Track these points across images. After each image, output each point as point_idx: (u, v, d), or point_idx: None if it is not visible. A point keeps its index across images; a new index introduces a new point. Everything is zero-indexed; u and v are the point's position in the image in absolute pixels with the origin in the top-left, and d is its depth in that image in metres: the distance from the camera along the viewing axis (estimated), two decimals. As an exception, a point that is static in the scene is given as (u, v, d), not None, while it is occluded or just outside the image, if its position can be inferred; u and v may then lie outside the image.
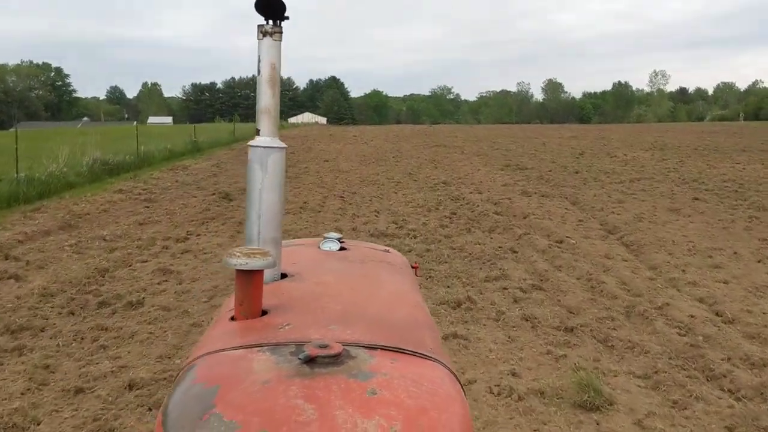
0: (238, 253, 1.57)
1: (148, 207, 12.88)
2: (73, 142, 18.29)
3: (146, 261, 8.45)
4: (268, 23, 1.96)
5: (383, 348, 1.47)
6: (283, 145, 2.04)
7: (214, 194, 14.38)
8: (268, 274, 1.93)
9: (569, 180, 18.60)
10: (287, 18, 1.97)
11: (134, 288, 7.12)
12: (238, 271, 1.59)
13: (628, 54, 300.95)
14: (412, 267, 2.74)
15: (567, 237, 10.51)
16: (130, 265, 8.21)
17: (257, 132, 2.04)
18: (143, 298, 6.74)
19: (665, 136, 43.90)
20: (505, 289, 7.61)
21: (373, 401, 1.22)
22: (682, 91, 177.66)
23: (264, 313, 1.68)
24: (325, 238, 2.58)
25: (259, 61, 2.00)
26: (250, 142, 2.03)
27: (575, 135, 45.74)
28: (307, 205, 13.54)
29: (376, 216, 12.73)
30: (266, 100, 2.02)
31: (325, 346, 1.37)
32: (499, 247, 9.88)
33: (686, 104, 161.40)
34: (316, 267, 2.23)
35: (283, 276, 2.06)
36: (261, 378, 1.28)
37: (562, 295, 7.38)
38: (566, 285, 7.73)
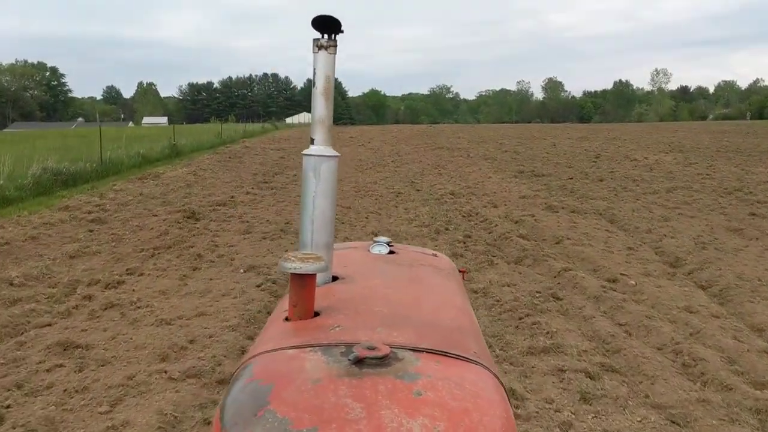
0: (293, 258, 1.63)
1: (91, 231, 10.43)
2: (35, 147, 15.83)
3: (48, 325, 5.99)
4: (323, 37, 1.99)
5: (428, 351, 1.50)
6: (336, 153, 2.05)
7: (180, 211, 11.94)
8: (320, 277, 1.93)
9: (596, 190, 16.18)
10: (342, 31, 2.01)
11: (1, 385, 4.66)
12: (293, 274, 1.63)
13: (624, 53, 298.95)
14: (460, 272, 2.75)
15: (622, 275, 8.08)
16: (21, 333, 5.75)
17: (312, 141, 2.06)
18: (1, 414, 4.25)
19: (678, 137, 41.53)
20: (561, 371, 5.19)
21: (418, 402, 1.25)
22: (684, 89, 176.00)
23: (316, 314, 1.73)
24: (375, 241, 2.60)
25: (314, 73, 2.04)
26: (305, 151, 2.05)
27: (585, 135, 43.32)
28: (290, 226, 11.12)
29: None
30: (321, 110, 2.06)
31: (373, 348, 1.41)
32: (537, 292, 7.45)
33: (688, 103, 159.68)
34: (365, 270, 2.26)
35: (334, 278, 2.10)
36: (313, 377, 1.33)
37: (648, 383, 4.96)
38: (648, 363, 5.30)
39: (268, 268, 8.08)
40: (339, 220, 12.18)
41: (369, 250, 2.59)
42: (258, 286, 7.28)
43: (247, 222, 11.46)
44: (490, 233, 11.07)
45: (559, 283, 7.85)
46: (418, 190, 16.74)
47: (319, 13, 1.98)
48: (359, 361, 1.39)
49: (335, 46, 2.02)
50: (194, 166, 21.04)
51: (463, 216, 12.77)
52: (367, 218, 12.53)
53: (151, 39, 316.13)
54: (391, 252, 2.58)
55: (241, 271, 8.02)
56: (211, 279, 7.64)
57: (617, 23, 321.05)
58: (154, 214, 12.00)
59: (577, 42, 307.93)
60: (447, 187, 16.97)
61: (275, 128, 55.58)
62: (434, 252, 2.85)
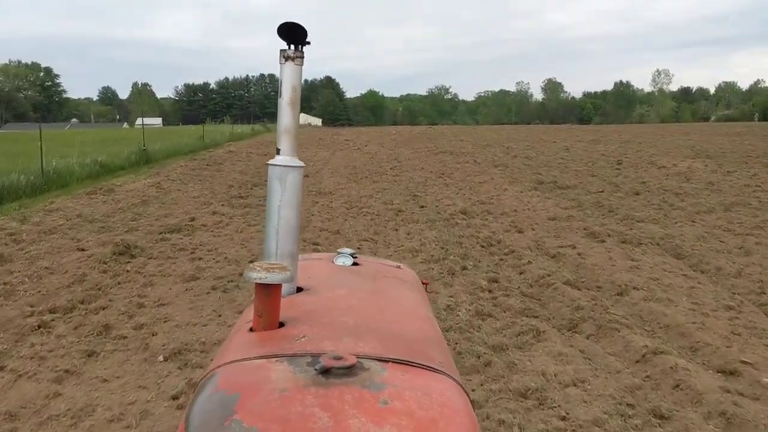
0: (258, 268, 1.61)
1: (-23, 277, 7.60)
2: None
3: None
4: (290, 48, 2.00)
5: (394, 361, 1.50)
6: (301, 164, 2.06)
7: (114, 243, 9.11)
8: (285, 287, 1.92)
9: (638, 208, 13.37)
10: (308, 43, 2.01)
11: None
12: (258, 284, 1.62)
13: (623, 53, 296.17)
14: (423, 283, 2.74)
15: (743, 362, 5.30)
16: None
17: (278, 151, 2.06)
18: None
19: (694, 139, 38.69)
20: None
21: (385, 411, 1.26)
22: (686, 90, 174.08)
23: (281, 325, 1.72)
24: (339, 253, 2.58)
25: (280, 84, 2.04)
26: (270, 161, 2.04)
27: (596, 138, 40.48)
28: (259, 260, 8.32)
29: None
30: (287, 121, 2.06)
31: (339, 358, 1.41)
32: (624, 401, 4.64)
33: (690, 104, 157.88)
34: (330, 281, 2.26)
35: (299, 289, 2.10)
36: (279, 387, 1.32)
37: None
38: None
39: (201, 355, 5.26)
40: (323, 249, 9.40)
41: (333, 262, 2.56)
42: (174, 398, 4.46)
43: (200, 259, 8.67)
44: (521, 274, 8.29)
45: (650, 378, 5.06)
46: (423, 207, 13.94)
47: (287, 20, 1.99)
48: (326, 371, 1.38)
49: (302, 57, 2.03)
50: (162, 176, 18.18)
51: (482, 246, 9.98)
52: (359, 248, 9.71)
53: (149, 39, 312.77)
54: (355, 263, 2.54)
55: (160, 359, 5.21)
56: (104, 380, 4.81)
57: (617, 23, 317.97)
58: (81, 247, 9.16)
59: (577, 42, 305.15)
60: (457, 203, 14.17)
61: (267, 130, 52.20)
62: (397, 264, 2.81)
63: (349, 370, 1.40)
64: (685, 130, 56.49)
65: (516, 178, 19.15)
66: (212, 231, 10.73)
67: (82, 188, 15.04)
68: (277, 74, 2.03)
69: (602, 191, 15.86)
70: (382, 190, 16.63)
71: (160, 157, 22.70)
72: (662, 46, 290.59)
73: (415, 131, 54.47)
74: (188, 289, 7.27)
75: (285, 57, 2.02)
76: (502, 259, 9.15)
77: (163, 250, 9.14)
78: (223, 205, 13.48)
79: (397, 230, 11.41)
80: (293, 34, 2.00)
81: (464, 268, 8.60)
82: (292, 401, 1.27)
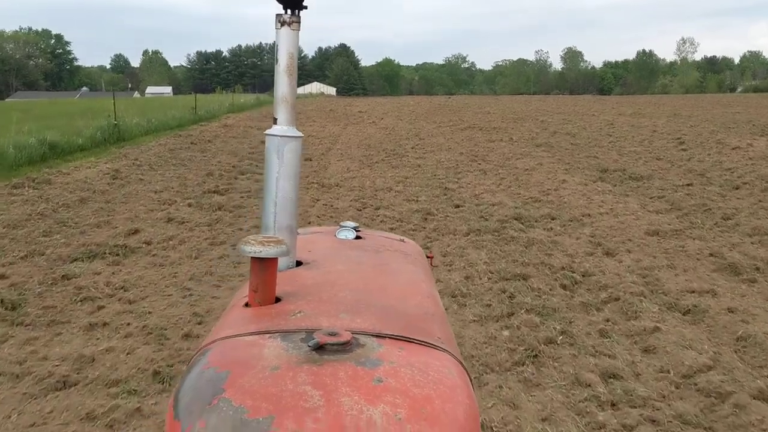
0: (252, 241, 1.54)
1: None
2: None
3: None
4: (286, 13, 1.91)
5: (392, 337, 1.47)
6: (300, 134, 1.96)
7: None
8: (282, 261, 1.89)
9: (759, 213, 9.68)
10: (305, 7, 1.95)
11: None
12: (253, 258, 1.56)
13: (644, 23, 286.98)
14: (427, 257, 2.65)
15: None
16: None
17: (274, 121, 1.97)
18: None
19: (743, 113, 34.62)
20: None
21: (379, 389, 1.22)
22: (712, 60, 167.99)
23: (277, 300, 1.67)
24: (341, 226, 2.52)
25: (276, 50, 1.95)
26: (267, 131, 1.95)
27: (636, 111, 36.39)
28: (200, 336, 4.84)
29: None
30: (284, 89, 1.95)
31: (334, 334, 1.38)
32: None
33: (717, 74, 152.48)
34: (330, 255, 2.18)
35: (299, 263, 2.03)
36: (271, 364, 1.28)
37: None
38: None
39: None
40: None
41: (335, 235, 2.47)
42: None
43: (104, 325, 5.15)
44: (647, 353, 4.78)
45: None
46: (458, 207, 10.37)
47: None
48: (320, 348, 1.33)
49: (298, 21, 1.93)
50: (128, 159, 14.61)
51: (563, 285, 6.42)
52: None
53: (164, 6, 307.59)
54: (357, 237, 2.45)
55: None
56: None
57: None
58: None
59: (596, 11, 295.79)
60: (503, 201, 10.58)
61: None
62: (401, 237, 2.68)
63: (344, 347, 1.34)
64: (724, 101, 52.04)
65: (570, 163, 15.41)
66: (154, 255, 7.21)
67: (12, 177, 11.54)
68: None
69: (690, 184, 12.13)
70: (404, 180, 13.02)
71: (137, 133, 18.96)
72: (684, 15, 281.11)
73: (434, 102, 50.49)
74: (47, 417, 3.75)
75: (281, 22, 1.92)
76: (600, 311, 5.60)
77: (53, 304, 5.61)
78: (189, 205, 9.95)
79: (428, 247, 7.87)
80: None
81: (549, 341, 5.05)
82: (283, 379, 1.22)
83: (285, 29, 1.92)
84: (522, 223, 9.06)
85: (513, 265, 7.04)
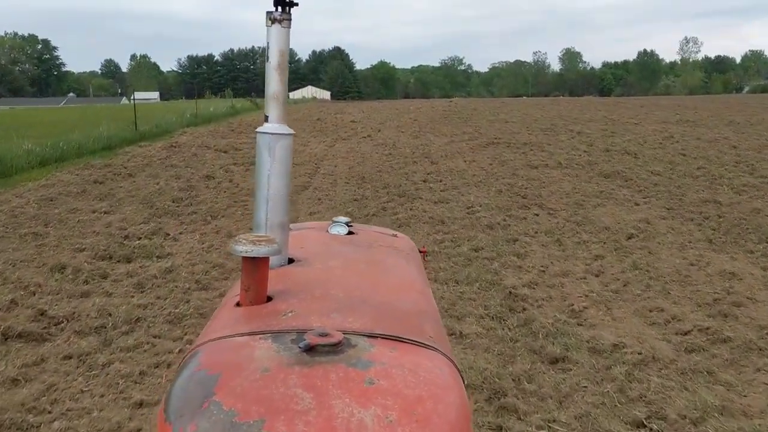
0: (243, 240, 1.53)
1: None
2: None
3: None
4: (277, 10, 1.91)
5: (383, 336, 1.44)
6: (291, 131, 1.96)
7: None
8: (274, 259, 1.86)
9: None
10: (296, 4, 1.95)
11: None
12: (244, 258, 1.54)
13: (642, 23, 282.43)
14: (420, 252, 2.65)
15: None
16: None
17: (266, 118, 1.97)
18: None
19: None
20: None
21: (371, 391, 1.20)
22: (718, 59, 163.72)
23: (269, 299, 1.64)
24: (334, 221, 2.48)
25: (267, 47, 1.95)
26: (258, 129, 1.95)
27: (688, 119, 30.59)
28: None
29: None
30: (275, 86, 1.97)
31: (325, 335, 1.35)
32: None
33: (722, 74, 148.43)
34: (322, 252, 2.17)
35: (291, 261, 2.01)
36: (261, 366, 1.27)
37: None
38: None
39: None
40: None
41: (327, 231, 2.44)
42: None
43: None
44: None
45: None
46: (535, 333, 4.63)
47: None
48: (310, 349, 1.30)
49: (289, 19, 1.93)
50: (45, 191, 8.86)
51: None
52: None
53: (156, 12, 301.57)
54: (350, 233, 2.43)
55: None
56: None
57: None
58: None
59: (592, 12, 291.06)
60: (652, 343, 4.81)
61: (255, 107, 41.58)
62: (394, 232, 2.69)
63: (335, 348, 1.31)
64: (741, 103, 46.09)
65: (681, 214, 9.62)
66: None
67: None
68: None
69: None
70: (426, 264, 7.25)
71: (22, 166, 12.96)
72: (681, 15, 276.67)
73: (437, 107, 44.57)
74: None
75: (272, 19, 1.92)
76: None
77: None
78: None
79: None
80: None
81: None
82: (274, 381, 1.20)
83: (276, 26, 1.92)
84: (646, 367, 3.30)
85: None
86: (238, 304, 1.62)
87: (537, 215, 9.72)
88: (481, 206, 10.34)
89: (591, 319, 5.70)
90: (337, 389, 1.18)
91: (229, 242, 1.52)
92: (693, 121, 27.68)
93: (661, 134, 22.25)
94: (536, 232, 8.68)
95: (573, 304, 6.00)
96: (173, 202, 10.41)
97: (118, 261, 7.12)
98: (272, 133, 1.92)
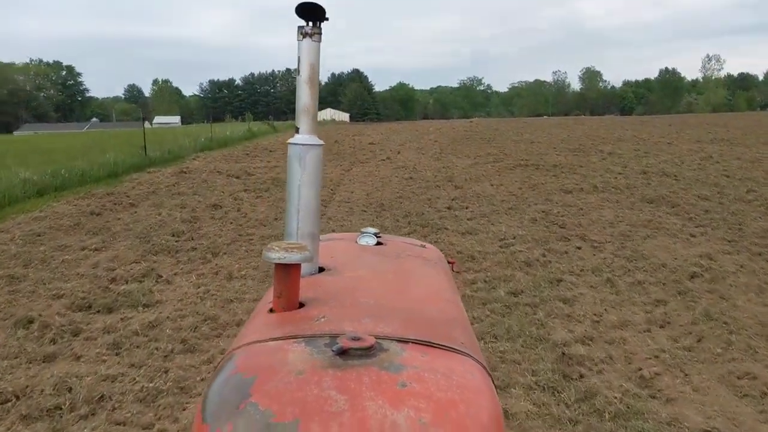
0: (276, 248, 1.55)
1: None
2: None
3: None
4: (308, 25, 1.95)
5: (415, 341, 1.44)
6: (321, 142, 1.99)
7: None
8: (305, 267, 1.89)
9: None
10: (327, 19, 1.97)
11: None
12: (277, 264, 1.57)
13: (661, 41, 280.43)
14: (449, 263, 2.63)
15: None
16: None
17: (296, 130, 2.01)
18: None
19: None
20: None
21: (403, 393, 1.20)
22: (741, 77, 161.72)
23: (301, 305, 1.67)
24: (363, 232, 2.51)
25: (299, 61, 1.99)
26: (290, 140, 1.99)
27: (723, 137, 29.25)
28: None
29: None
30: (305, 99, 2.01)
31: (358, 339, 1.36)
32: None
33: (746, 91, 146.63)
34: (352, 261, 2.19)
35: (321, 269, 2.04)
36: (296, 369, 1.28)
37: None
38: None
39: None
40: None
41: (356, 242, 2.47)
42: None
43: None
44: None
45: None
46: (587, 405, 3.46)
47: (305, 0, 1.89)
48: (344, 353, 1.32)
49: (320, 33, 1.97)
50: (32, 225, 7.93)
51: None
52: None
53: (179, 37, 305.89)
54: (378, 243, 2.46)
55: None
56: None
57: (654, 9, 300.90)
58: None
59: (610, 31, 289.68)
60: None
61: (273, 130, 40.83)
62: (423, 243, 2.70)
63: (368, 351, 1.33)
64: None
65: (744, 245, 8.42)
66: None
67: None
68: None
69: None
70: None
71: (18, 196, 12.15)
72: (701, 33, 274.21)
73: (458, 128, 43.55)
74: None
75: (303, 34, 1.95)
76: None
77: None
78: None
79: None
80: (312, 12, 1.92)
81: None
82: (308, 384, 1.21)
83: (306, 41, 1.94)
84: None
85: None
86: (271, 310, 1.64)
87: (579, 248, 8.57)
88: (515, 238, 9.22)
89: (667, 390, 4.56)
90: (370, 391, 1.18)
91: (263, 250, 1.52)
92: (728, 140, 26.33)
93: (697, 154, 20.98)
94: (582, 270, 7.53)
95: (641, 368, 4.87)
96: (173, 236, 9.40)
97: (98, 311, 6.09)
98: (303, 144, 1.95)
